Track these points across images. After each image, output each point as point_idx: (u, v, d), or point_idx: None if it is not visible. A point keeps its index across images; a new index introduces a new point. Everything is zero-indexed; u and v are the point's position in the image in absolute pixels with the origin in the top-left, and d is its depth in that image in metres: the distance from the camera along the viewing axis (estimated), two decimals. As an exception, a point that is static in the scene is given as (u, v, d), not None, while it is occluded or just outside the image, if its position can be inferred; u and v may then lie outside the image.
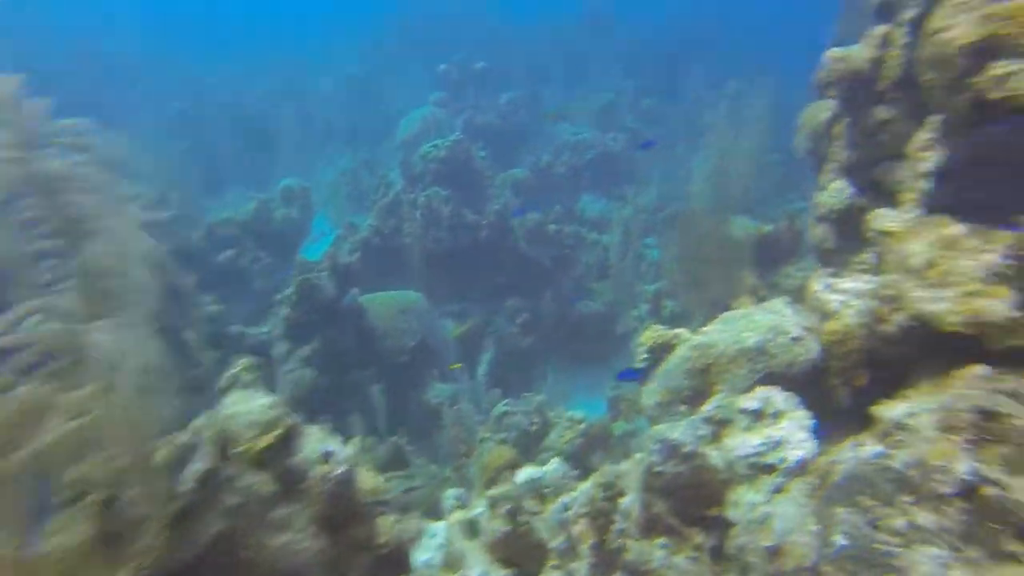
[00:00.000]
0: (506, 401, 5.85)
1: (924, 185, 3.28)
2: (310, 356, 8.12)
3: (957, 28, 2.95)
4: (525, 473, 4.07)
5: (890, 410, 2.69)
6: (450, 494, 4.60)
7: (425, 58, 17.21)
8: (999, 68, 2.74)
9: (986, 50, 2.80)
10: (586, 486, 3.60)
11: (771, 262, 7.41)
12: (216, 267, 9.09)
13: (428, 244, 9.80)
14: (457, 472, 6.31)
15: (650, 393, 3.90)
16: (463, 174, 10.16)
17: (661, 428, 3.19)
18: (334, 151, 15.28)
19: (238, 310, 8.89)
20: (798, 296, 4.76)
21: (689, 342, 3.79)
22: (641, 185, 12.81)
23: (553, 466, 4.08)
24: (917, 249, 2.79)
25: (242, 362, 4.98)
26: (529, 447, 5.52)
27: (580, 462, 5.51)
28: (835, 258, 4.06)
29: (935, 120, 3.44)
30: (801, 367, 3.38)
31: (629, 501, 3.59)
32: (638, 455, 3.45)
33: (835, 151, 4.18)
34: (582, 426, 5.41)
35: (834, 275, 3.67)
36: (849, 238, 3.99)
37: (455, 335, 9.65)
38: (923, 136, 3.45)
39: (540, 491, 3.92)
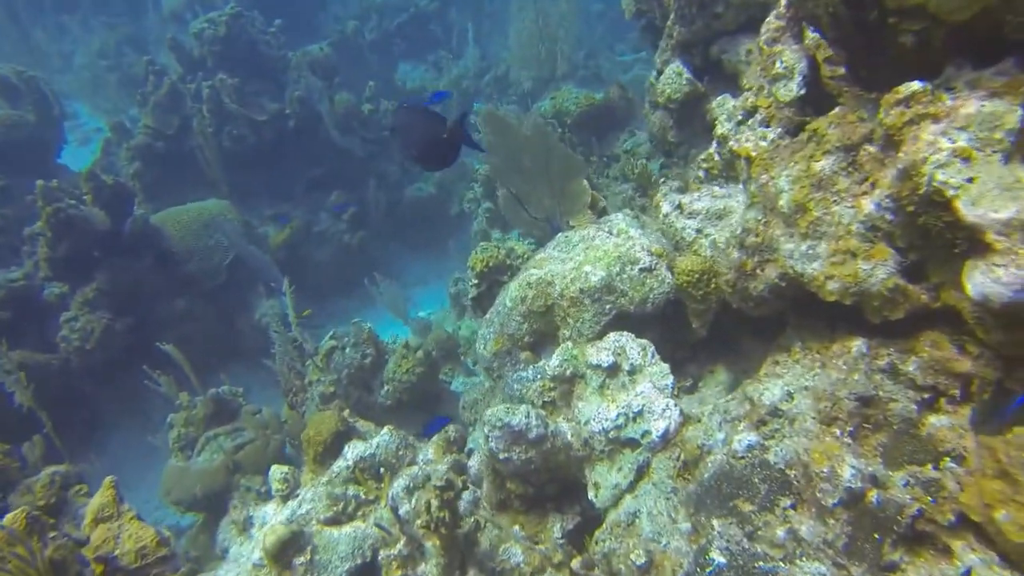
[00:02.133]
0: (332, 333, 5.03)
1: (783, 90, 2.68)
2: (96, 298, 6.68)
3: None
4: (354, 450, 3.40)
5: (764, 391, 2.26)
6: (275, 471, 3.87)
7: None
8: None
9: None
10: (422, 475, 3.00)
11: (605, 131, 6.85)
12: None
13: (225, 143, 8.20)
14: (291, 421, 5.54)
15: (486, 339, 3.27)
16: (251, 56, 8.40)
17: (499, 412, 2.59)
18: (80, 26, 12.13)
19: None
20: (639, 181, 4.24)
21: (524, 277, 3.14)
22: (460, 47, 11.53)
23: (384, 437, 3.44)
24: (783, 186, 2.23)
25: None
26: (367, 382, 4.83)
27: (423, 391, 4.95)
28: (678, 152, 3.49)
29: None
30: (654, 303, 2.86)
31: (475, 471, 3.05)
32: (477, 435, 2.86)
33: (670, 25, 3.46)
34: (420, 355, 4.77)
35: (681, 190, 3.11)
36: (692, 130, 3.41)
37: (276, 242, 8.44)
38: (774, 23, 2.79)
39: (373, 470, 3.30)
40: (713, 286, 2.69)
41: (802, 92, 2.69)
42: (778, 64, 2.70)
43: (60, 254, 6.43)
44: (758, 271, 2.37)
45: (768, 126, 2.72)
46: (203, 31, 8.11)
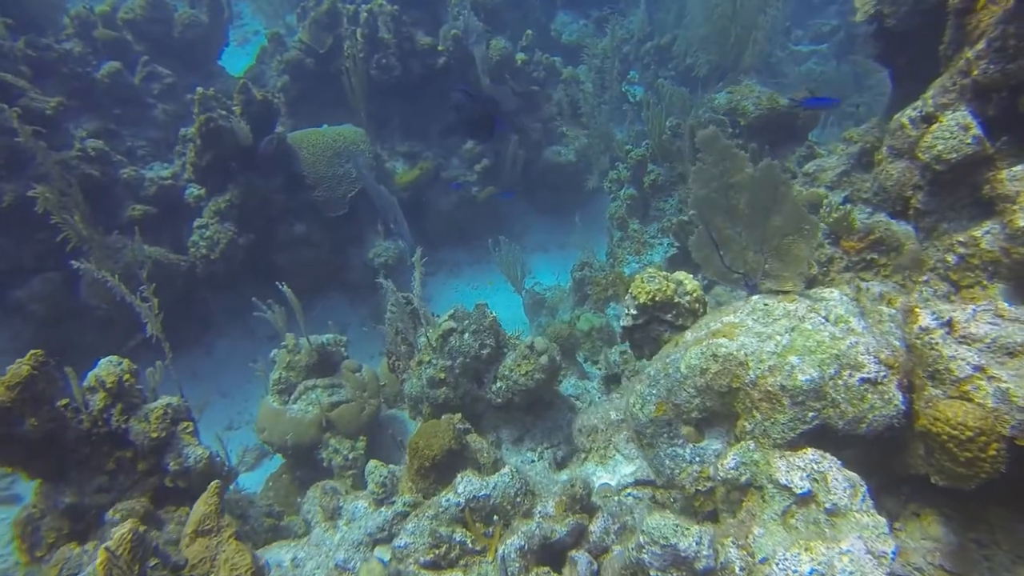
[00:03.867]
0: (452, 313, 4.60)
1: None
2: (226, 209, 6.57)
3: None
4: (467, 486, 2.98)
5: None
6: (375, 472, 3.53)
7: None
8: None
9: None
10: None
11: (781, 140, 5.96)
12: (94, 84, 7.00)
13: (373, 71, 7.81)
14: (393, 382, 5.25)
15: (645, 400, 2.73)
16: (415, -18, 7.86)
17: (666, 528, 2.07)
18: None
19: (133, 145, 7.03)
20: (834, 228, 3.44)
21: (710, 346, 2.53)
22: (627, 5, 10.55)
23: (504, 479, 3.01)
24: None
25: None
26: (480, 374, 4.42)
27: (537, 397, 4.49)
28: (924, 222, 2.72)
29: None
30: (871, 427, 2.22)
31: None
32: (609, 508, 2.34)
33: (970, 57, 2.62)
34: (544, 360, 4.28)
35: (946, 296, 2.37)
36: (953, 200, 2.62)
37: (403, 181, 8.09)
38: None
39: (485, 513, 2.88)
40: (991, 452, 2.00)
41: None
42: None
43: (204, 162, 6.30)
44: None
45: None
46: (371, -50, 7.63)
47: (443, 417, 3.66)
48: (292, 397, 4.85)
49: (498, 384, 4.44)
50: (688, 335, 2.88)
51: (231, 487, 4.83)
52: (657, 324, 3.37)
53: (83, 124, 6.76)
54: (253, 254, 6.90)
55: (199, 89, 5.99)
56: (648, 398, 2.74)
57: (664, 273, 3.42)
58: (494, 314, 4.53)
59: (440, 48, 7.93)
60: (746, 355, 2.42)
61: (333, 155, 7.27)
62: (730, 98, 6.00)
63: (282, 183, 6.93)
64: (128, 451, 3.64)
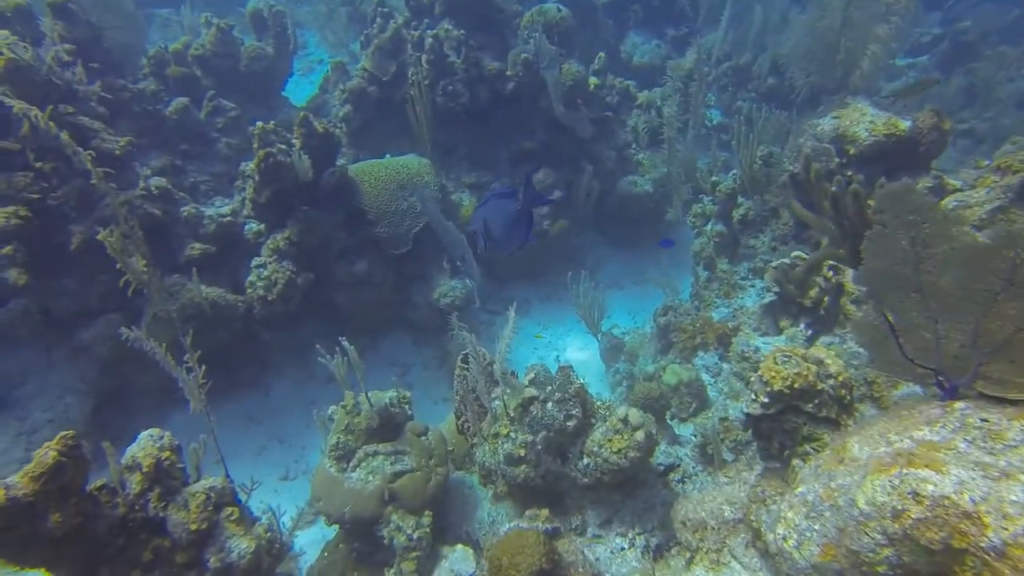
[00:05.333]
0: (532, 377, 3.98)
1: None
2: (285, 248, 6.17)
3: None
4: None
5: None
6: (446, 563, 2.93)
7: None
8: None
9: None
10: None
11: (896, 169, 5.13)
12: (163, 121, 6.79)
13: (438, 98, 7.35)
14: (464, 450, 4.66)
15: (803, 536, 2.02)
16: (479, 6, 7.39)
17: None
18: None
19: (197, 180, 6.75)
20: None
21: (907, 479, 1.82)
22: (704, 24, 9.84)
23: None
24: None
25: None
26: (564, 448, 3.78)
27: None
28: None
29: None
30: None
31: None
32: None
33: None
34: (639, 436, 3.60)
35: None
36: None
37: (469, 213, 7.57)
38: None
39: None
40: None
41: None
42: None
43: (263, 199, 5.94)
44: None
45: None
46: (438, -27, 7.21)
47: (530, 530, 3.03)
48: (351, 464, 4.31)
49: (585, 461, 3.79)
50: (854, 447, 2.16)
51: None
52: (793, 415, 2.67)
53: (150, 161, 6.52)
54: (313, 292, 6.49)
55: (259, 123, 5.63)
56: (808, 534, 2.03)
57: (801, 352, 2.71)
58: (581, 381, 3.88)
59: (509, 73, 7.42)
60: (974, 503, 1.70)
61: (396, 188, 6.81)
62: (837, 124, 5.22)
63: (343, 219, 6.51)
64: (166, 539, 3.15)
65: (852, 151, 5.00)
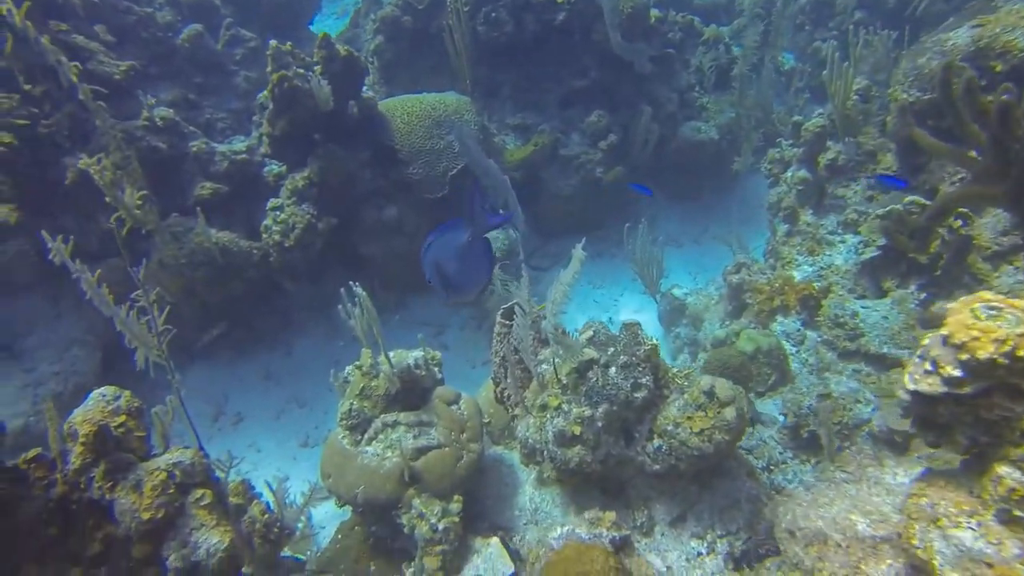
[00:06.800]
0: (591, 334, 3.10)
1: None
2: (304, 188, 5.36)
3: None
4: None
5: None
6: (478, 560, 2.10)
7: None
8: None
9: None
10: None
11: None
12: (175, 50, 5.99)
13: (480, 27, 6.39)
14: (505, 424, 3.82)
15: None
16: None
17: None
18: None
19: (213, 117, 5.97)
20: None
21: None
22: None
23: None
24: None
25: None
26: (629, 425, 2.91)
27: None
28: None
29: None
30: None
31: None
32: None
33: None
34: (729, 414, 2.70)
35: None
36: None
37: (515, 158, 6.63)
38: None
39: None
40: None
41: None
42: None
43: (278, 130, 5.12)
44: None
45: None
46: None
47: (593, 544, 2.16)
48: (366, 436, 3.51)
49: (656, 442, 2.90)
50: None
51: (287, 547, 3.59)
52: (1002, 397, 1.73)
53: (161, 93, 5.76)
54: (338, 240, 5.69)
55: (272, 42, 4.79)
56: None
57: (1016, 303, 1.75)
58: (653, 340, 2.97)
59: (559, 0, 6.39)
60: None
61: (432, 124, 5.91)
62: (979, 34, 4.09)
63: (370, 157, 5.65)
64: (119, 527, 2.40)
65: (1000, 67, 3.88)
